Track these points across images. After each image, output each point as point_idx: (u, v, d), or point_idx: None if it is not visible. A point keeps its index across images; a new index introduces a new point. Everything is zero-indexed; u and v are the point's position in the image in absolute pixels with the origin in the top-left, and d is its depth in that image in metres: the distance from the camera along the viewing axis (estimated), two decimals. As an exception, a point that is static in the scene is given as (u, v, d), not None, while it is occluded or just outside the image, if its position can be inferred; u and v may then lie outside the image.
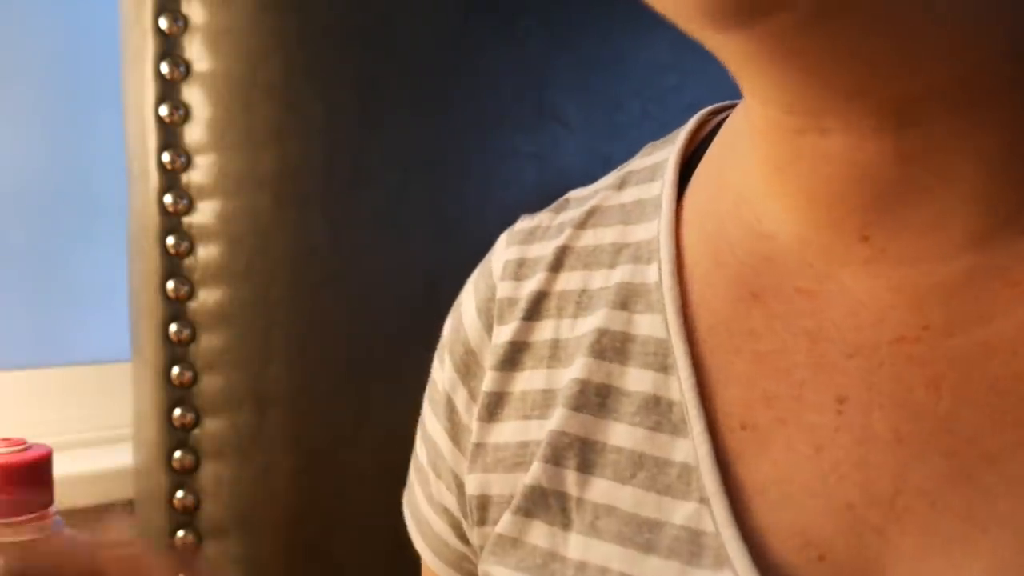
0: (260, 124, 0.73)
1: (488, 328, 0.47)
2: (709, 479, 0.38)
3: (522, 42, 0.79)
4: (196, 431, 0.74)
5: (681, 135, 0.46)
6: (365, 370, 0.77)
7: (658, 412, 0.40)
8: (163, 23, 0.72)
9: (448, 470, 0.48)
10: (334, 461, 0.76)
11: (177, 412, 0.74)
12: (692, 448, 0.38)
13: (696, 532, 0.37)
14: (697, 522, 0.38)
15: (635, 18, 0.82)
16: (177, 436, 0.74)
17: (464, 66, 0.78)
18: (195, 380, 0.74)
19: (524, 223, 0.49)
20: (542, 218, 0.49)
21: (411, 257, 0.78)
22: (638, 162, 0.48)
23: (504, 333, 0.46)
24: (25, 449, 0.53)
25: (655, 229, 0.43)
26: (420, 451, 0.51)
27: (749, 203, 0.40)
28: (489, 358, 0.46)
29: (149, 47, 0.72)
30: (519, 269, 0.47)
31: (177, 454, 0.74)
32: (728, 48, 0.34)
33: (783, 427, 0.37)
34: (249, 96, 0.73)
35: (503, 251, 0.48)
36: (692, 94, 0.83)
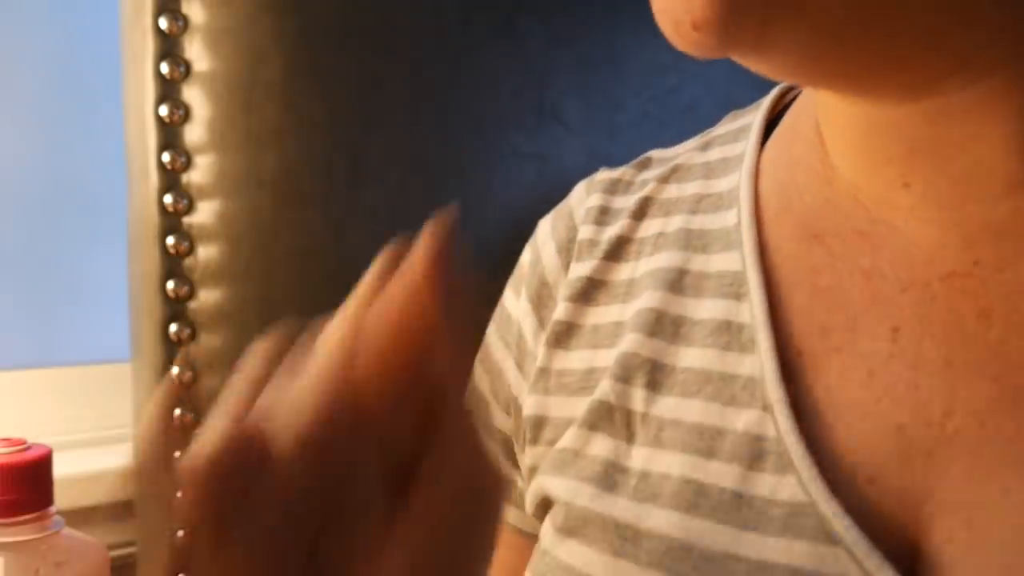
0: (260, 124, 0.73)
1: (566, 266, 0.49)
2: (773, 388, 0.39)
3: (522, 42, 0.79)
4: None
5: (766, 101, 0.48)
6: (365, 370, 0.77)
7: (729, 333, 0.42)
8: (163, 23, 0.72)
9: (507, 393, 0.51)
10: (334, 461, 0.76)
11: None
12: (759, 362, 0.40)
13: (758, 437, 0.39)
14: (759, 427, 0.39)
15: (635, 18, 0.82)
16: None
17: (464, 66, 0.78)
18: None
19: (605, 174, 0.52)
20: (624, 172, 0.51)
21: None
22: (722, 128, 0.50)
23: (581, 269, 0.48)
24: (25, 449, 0.53)
25: (736, 180, 0.46)
26: (481, 380, 0.53)
27: (816, 148, 0.42)
28: (563, 290, 0.48)
29: (149, 47, 0.72)
30: (601, 216, 0.49)
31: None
32: None
33: (838, 355, 0.39)
34: (249, 96, 0.73)
35: (585, 198, 0.51)
36: (691, 94, 0.83)
